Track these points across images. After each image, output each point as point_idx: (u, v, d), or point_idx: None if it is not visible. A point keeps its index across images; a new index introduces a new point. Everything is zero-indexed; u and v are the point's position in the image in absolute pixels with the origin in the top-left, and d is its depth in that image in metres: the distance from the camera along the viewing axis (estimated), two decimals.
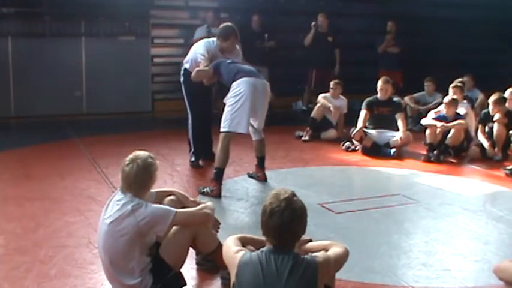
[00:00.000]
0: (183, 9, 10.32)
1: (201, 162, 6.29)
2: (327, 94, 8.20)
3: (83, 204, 4.89)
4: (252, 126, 5.44)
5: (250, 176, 5.84)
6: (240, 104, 5.15)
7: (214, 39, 5.78)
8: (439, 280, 3.62)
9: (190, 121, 6.21)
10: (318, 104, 8.01)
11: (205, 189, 5.20)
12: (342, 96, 8.20)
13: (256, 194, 5.35)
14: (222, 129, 5.25)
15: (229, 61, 5.52)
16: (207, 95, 6.36)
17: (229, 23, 5.83)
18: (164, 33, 10.32)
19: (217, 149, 5.27)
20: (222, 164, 5.25)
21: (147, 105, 10.03)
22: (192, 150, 6.28)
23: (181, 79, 6.16)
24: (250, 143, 5.76)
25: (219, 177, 5.23)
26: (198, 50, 5.74)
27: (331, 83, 8.24)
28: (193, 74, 5.65)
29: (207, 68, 5.53)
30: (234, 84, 5.23)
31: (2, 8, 8.82)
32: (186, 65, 6.01)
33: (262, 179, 5.71)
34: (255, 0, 10.29)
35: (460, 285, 3.55)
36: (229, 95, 5.26)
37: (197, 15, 10.10)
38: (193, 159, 6.26)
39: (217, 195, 5.15)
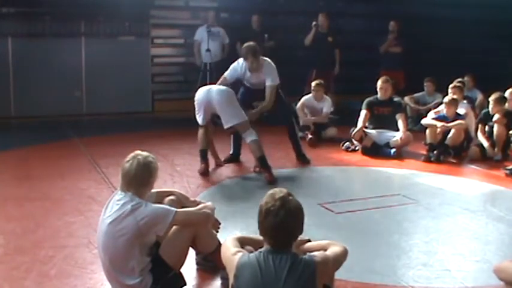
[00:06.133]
0: (183, 9, 10.33)
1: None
2: (309, 96, 8.11)
3: (83, 204, 4.89)
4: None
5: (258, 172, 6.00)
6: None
7: (242, 61, 6.09)
8: (439, 280, 3.62)
9: None
10: (300, 113, 7.93)
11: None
12: (326, 96, 8.11)
13: (256, 194, 5.32)
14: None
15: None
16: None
17: (250, 43, 6.04)
18: (164, 33, 10.34)
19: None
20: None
21: (147, 105, 10.04)
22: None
23: None
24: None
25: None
26: (226, 74, 6.21)
27: (312, 84, 8.09)
28: None
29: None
30: None
31: (2, 8, 8.84)
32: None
33: (268, 180, 5.61)
34: (255, 0, 10.29)
35: (460, 285, 3.55)
36: None
37: (197, 15, 10.11)
38: (231, 152, 6.46)
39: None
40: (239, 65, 6.11)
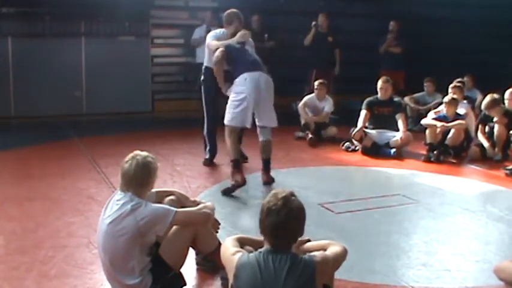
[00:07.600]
0: (183, 9, 10.34)
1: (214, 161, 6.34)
2: (311, 95, 8.14)
3: (83, 204, 4.89)
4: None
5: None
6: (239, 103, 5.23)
7: (223, 29, 5.82)
8: (439, 280, 3.62)
9: (205, 120, 6.20)
10: (302, 112, 7.96)
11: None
12: (327, 97, 8.11)
13: (255, 195, 5.33)
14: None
15: (238, 46, 5.54)
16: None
17: (233, 9, 5.85)
18: (164, 33, 10.35)
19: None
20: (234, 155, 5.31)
21: (147, 105, 10.04)
22: (208, 147, 6.29)
23: (202, 77, 6.15)
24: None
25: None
26: (208, 42, 5.83)
27: (316, 83, 8.12)
28: (213, 59, 5.60)
29: (222, 49, 5.49)
30: (236, 80, 5.28)
31: (2, 8, 8.84)
32: (206, 64, 5.99)
33: (265, 181, 5.55)
34: (255, 0, 10.28)
35: (460, 285, 3.55)
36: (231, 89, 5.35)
37: (197, 15, 10.11)
38: (207, 156, 6.30)
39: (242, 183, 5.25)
40: (219, 33, 5.79)
